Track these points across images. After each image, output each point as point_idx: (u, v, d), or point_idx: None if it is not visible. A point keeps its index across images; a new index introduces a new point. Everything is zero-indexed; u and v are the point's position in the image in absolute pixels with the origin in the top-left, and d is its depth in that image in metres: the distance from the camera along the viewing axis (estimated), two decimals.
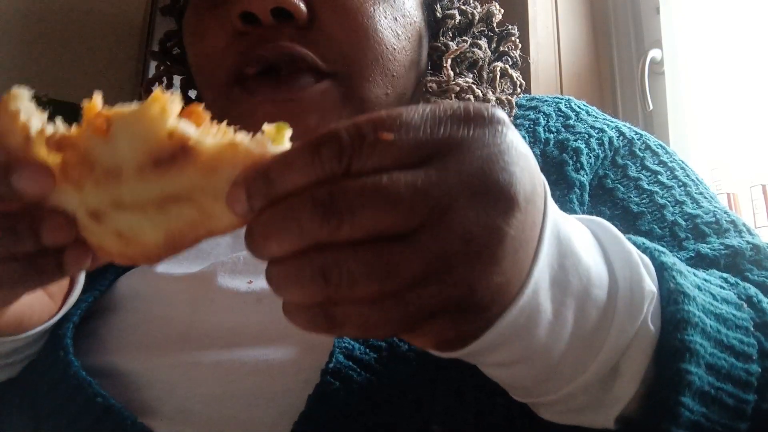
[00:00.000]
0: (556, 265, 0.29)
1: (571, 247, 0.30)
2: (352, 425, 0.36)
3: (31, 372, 0.46)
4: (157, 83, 0.62)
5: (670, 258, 0.35)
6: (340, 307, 0.25)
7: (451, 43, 0.57)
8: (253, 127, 0.49)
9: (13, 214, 0.30)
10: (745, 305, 0.36)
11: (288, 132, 0.27)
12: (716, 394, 0.32)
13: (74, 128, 0.29)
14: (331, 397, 0.37)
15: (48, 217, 0.29)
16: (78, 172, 0.28)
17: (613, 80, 1.20)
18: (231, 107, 0.50)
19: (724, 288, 0.37)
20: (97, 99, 0.29)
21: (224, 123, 0.28)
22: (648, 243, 0.37)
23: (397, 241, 0.24)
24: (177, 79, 0.63)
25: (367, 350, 0.38)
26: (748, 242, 0.45)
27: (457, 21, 0.58)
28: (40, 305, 0.42)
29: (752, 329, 0.35)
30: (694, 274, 0.36)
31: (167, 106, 0.26)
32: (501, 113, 0.26)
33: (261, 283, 0.45)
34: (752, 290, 0.37)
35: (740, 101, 1.08)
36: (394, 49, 0.51)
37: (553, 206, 0.29)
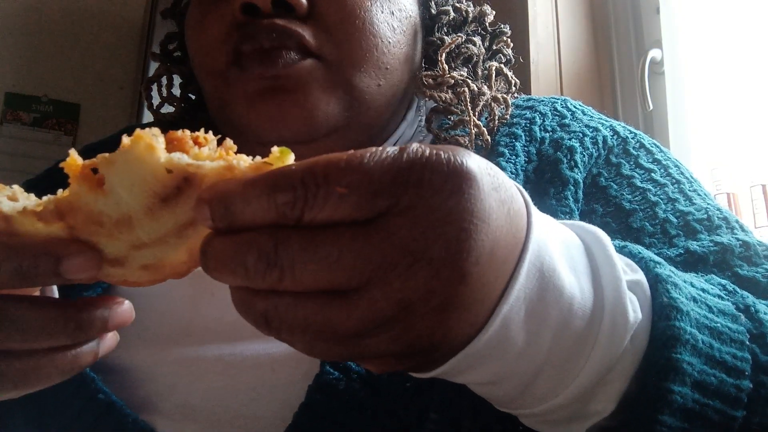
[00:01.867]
0: (536, 299, 0.29)
1: (554, 281, 0.29)
2: (352, 414, 0.37)
3: None
4: (156, 83, 0.62)
5: (665, 270, 0.35)
6: (291, 335, 0.26)
7: (446, 37, 0.58)
8: (246, 107, 0.49)
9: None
10: (742, 316, 0.36)
11: (291, 157, 0.26)
12: (701, 410, 0.32)
13: (64, 192, 0.28)
14: (331, 387, 0.37)
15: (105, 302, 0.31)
16: (88, 232, 0.28)
17: (613, 80, 1.20)
18: (229, 91, 0.51)
19: (722, 298, 0.37)
20: (74, 155, 0.27)
21: (210, 137, 0.28)
22: (645, 253, 0.36)
23: (337, 297, 0.24)
24: (176, 80, 0.64)
25: None
26: (738, 239, 0.45)
27: (452, 17, 0.59)
28: None
29: (748, 342, 0.34)
30: (691, 284, 0.36)
31: (152, 142, 0.26)
32: (472, 167, 0.25)
33: None
34: (750, 299, 0.37)
35: (740, 101, 1.08)
36: (389, 42, 0.52)
37: (537, 232, 0.29)
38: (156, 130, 0.26)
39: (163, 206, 0.27)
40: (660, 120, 1.11)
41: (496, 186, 0.26)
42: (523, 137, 0.55)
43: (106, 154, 0.26)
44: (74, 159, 0.27)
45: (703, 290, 0.36)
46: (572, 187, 0.51)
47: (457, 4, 0.60)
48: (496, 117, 0.56)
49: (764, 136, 1.03)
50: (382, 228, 0.24)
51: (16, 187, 0.29)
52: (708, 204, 0.50)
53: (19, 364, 0.30)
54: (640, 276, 0.34)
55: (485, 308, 0.27)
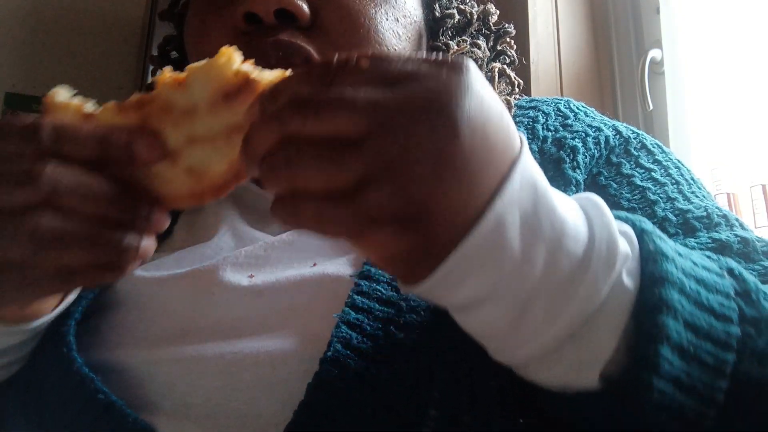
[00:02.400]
0: (529, 209, 0.31)
1: (547, 198, 0.32)
2: (351, 411, 0.37)
3: (34, 369, 0.46)
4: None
5: (650, 225, 0.36)
6: (301, 202, 0.29)
7: (451, 42, 0.58)
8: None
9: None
10: (726, 275, 0.36)
11: None
12: (695, 352, 0.32)
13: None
14: (330, 385, 0.37)
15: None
16: (158, 120, 0.35)
17: (613, 80, 1.20)
18: None
19: (705, 258, 0.38)
20: (167, 70, 0.36)
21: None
22: (630, 215, 0.38)
23: (350, 145, 0.28)
24: None
25: (365, 339, 0.39)
26: (736, 235, 0.45)
27: (456, 20, 0.59)
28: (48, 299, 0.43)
29: (733, 295, 0.35)
30: (674, 242, 0.37)
31: (232, 55, 0.34)
32: (471, 62, 0.31)
33: (262, 277, 0.45)
34: (733, 263, 0.38)
35: (740, 101, 1.08)
36: (395, 49, 0.51)
37: (531, 160, 0.32)
38: (238, 50, 0.35)
39: (223, 103, 0.34)
40: (660, 120, 1.11)
41: (489, 89, 0.31)
42: (526, 135, 0.55)
43: (196, 63, 0.35)
44: (166, 73, 0.36)
45: (686, 249, 0.37)
46: (574, 188, 0.51)
47: (462, 6, 0.60)
48: None
49: (764, 136, 1.03)
50: (398, 88, 0.29)
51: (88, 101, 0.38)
52: (707, 203, 0.50)
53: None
54: (627, 228, 0.36)
55: (478, 193, 0.30)
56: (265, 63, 0.47)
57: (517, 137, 0.32)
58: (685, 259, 0.35)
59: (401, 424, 0.36)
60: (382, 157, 0.28)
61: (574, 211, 0.33)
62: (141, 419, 0.39)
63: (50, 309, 0.44)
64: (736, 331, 0.33)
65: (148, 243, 0.36)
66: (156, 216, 0.36)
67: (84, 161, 0.34)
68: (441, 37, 0.58)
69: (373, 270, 0.42)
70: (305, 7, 0.48)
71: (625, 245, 0.34)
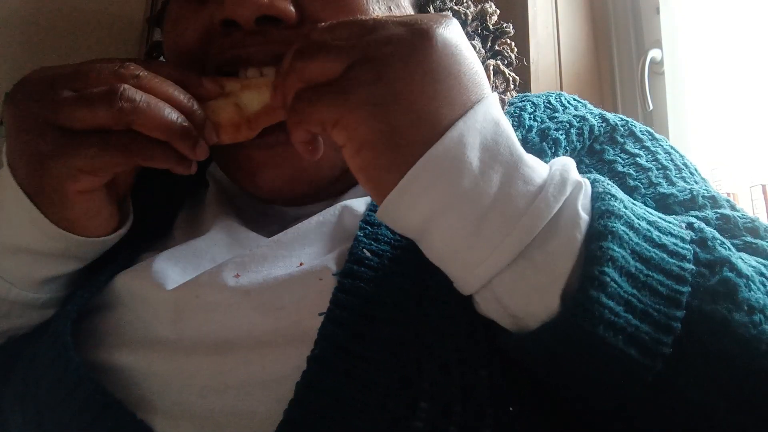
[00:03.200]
0: (489, 137, 0.35)
1: (508, 135, 0.36)
2: (342, 408, 0.37)
3: (32, 368, 0.46)
4: None
5: (606, 180, 0.39)
6: (303, 93, 0.37)
7: None
8: (243, 167, 0.52)
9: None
10: (684, 226, 0.38)
11: None
12: (646, 280, 0.33)
13: None
14: (319, 383, 0.38)
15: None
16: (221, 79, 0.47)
17: (613, 80, 1.20)
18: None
19: (665, 216, 0.39)
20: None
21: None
22: (591, 175, 0.40)
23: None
24: None
25: (350, 336, 0.39)
26: (717, 212, 0.45)
27: None
28: (101, 215, 0.46)
29: (688, 240, 0.36)
30: (632, 201, 0.39)
31: None
32: (454, 21, 0.38)
33: (249, 277, 0.45)
34: (695, 219, 0.39)
35: (740, 101, 1.08)
36: None
37: (497, 107, 0.37)
38: None
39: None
40: (660, 120, 1.11)
41: (467, 42, 0.38)
42: (511, 122, 0.54)
43: None
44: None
45: (645, 205, 0.40)
46: None
47: (456, 7, 0.59)
48: None
49: (764, 136, 1.03)
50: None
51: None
52: (693, 186, 0.50)
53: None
54: (584, 179, 0.38)
55: (444, 111, 0.35)
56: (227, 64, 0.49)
57: (487, 87, 0.37)
58: (637, 206, 0.38)
59: (393, 418, 0.36)
60: (366, 48, 0.35)
61: (537, 160, 0.37)
62: (139, 419, 0.40)
63: (103, 232, 0.47)
64: (690, 267, 0.34)
65: (202, 151, 0.43)
66: (209, 133, 0.44)
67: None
68: None
69: (356, 267, 0.42)
70: (290, 7, 0.46)
71: (579, 177, 0.37)
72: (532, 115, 0.56)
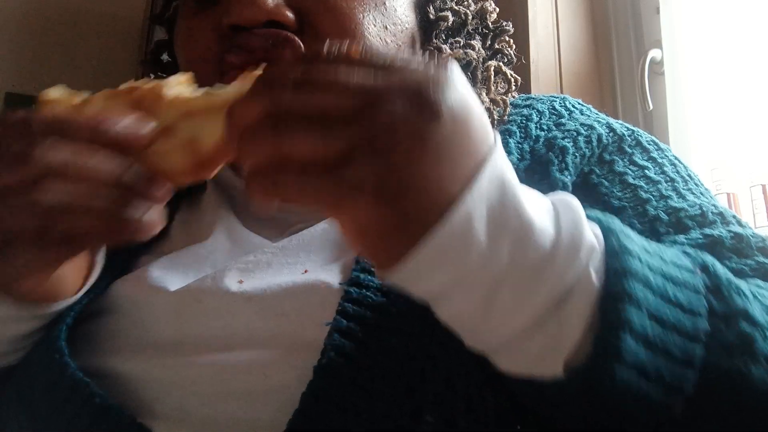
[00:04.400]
0: (496, 204, 0.32)
1: (514, 195, 0.33)
2: (346, 419, 0.37)
3: (26, 373, 0.46)
4: None
5: (617, 224, 0.37)
6: (282, 172, 0.30)
7: (444, 46, 0.57)
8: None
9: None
10: (698, 271, 0.37)
11: None
12: (661, 343, 0.33)
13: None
14: (325, 393, 0.37)
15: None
16: (151, 101, 0.36)
17: (613, 80, 1.20)
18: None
19: (679, 256, 0.38)
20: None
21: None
22: (601, 215, 0.38)
23: (340, 119, 0.30)
24: None
25: (357, 346, 0.39)
26: (730, 231, 0.45)
27: (450, 22, 0.58)
28: (67, 278, 0.44)
29: (703, 292, 0.35)
30: (646, 240, 0.38)
31: None
32: (455, 64, 0.33)
33: (252, 283, 0.45)
34: (709, 259, 0.38)
35: (740, 101, 1.08)
36: None
37: (502, 159, 0.34)
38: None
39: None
40: (660, 120, 1.11)
41: (470, 89, 0.34)
42: (518, 134, 0.55)
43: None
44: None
45: (659, 248, 0.38)
46: (561, 190, 0.50)
47: (456, 7, 0.59)
48: (495, 119, 0.56)
49: (764, 136, 1.03)
50: (386, 71, 0.31)
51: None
52: (703, 201, 0.50)
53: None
54: (595, 227, 0.36)
55: (452, 181, 0.32)
56: (253, 57, 0.47)
57: (491, 134, 0.34)
58: (652, 256, 0.36)
59: (397, 430, 0.36)
60: (368, 131, 0.30)
61: (543, 209, 0.34)
62: (138, 422, 0.39)
63: (72, 291, 0.44)
64: (704, 325, 0.34)
65: (153, 215, 0.37)
66: (157, 188, 0.36)
67: (81, 141, 0.36)
68: (434, 40, 0.57)
69: (362, 276, 0.42)
70: (291, 14, 0.48)
71: (591, 238, 0.35)
72: (538, 125, 0.56)
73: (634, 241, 0.36)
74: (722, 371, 0.33)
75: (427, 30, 0.58)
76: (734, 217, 0.48)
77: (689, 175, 0.54)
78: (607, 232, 0.36)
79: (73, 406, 0.41)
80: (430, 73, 0.31)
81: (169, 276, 0.47)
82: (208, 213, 0.55)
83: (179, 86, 0.36)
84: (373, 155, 0.30)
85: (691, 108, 1.10)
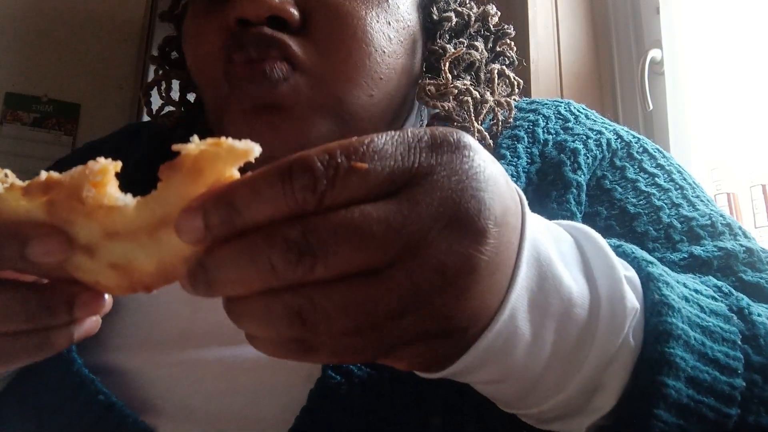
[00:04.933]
0: (536, 288, 0.29)
1: (551, 269, 0.30)
2: (353, 418, 0.37)
3: (32, 371, 0.46)
4: (155, 87, 0.62)
5: (657, 269, 0.35)
6: (313, 341, 0.25)
7: (448, 45, 0.57)
8: (241, 126, 0.50)
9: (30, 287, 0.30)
10: (735, 317, 0.36)
11: (256, 148, 0.26)
12: (696, 407, 0.32)
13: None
14: (333, 391, 0.37)
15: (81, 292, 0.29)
16: (69, 208, 0.28)
17: (613, 80, 1.20)
18: (224, 105, 0.51)
19: (715, 299, 0.37)
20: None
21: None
22: (638, 252, 0.37)
23: (372, 276, 0.24)
24: (174, 85, 0.64)
25: None
26: (741, 245, 0.46)
27: (454, 23, 0.59)
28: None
29: (740, 342, 0.35)
30: (684, 284, 0.36)
31: None
32: (468, 138, 0.27)
33: None
34: (744, 302, 0.37)
35: (740, 101, 1.08)
36: (384, 52, 0.51)
37: (531, 225, 0.30)
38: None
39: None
40: (660, 120, 1.11)
41: (493, 159, 0.28)
42: (526, 139, 0.55)
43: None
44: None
45: (696, 291, 0.37)
46: (575, 190, 0.51)
47: (459, 9, 0.60)
48: (500, 121, 0.56)
49: (764, 136, 1.03)
50: (406, 198, 0.24)
51: (8, 170, 0.29)
52: (711, 210, 0.50)
53: None
54: (632, 273, 0.35)
55: (500, 288, 0.28)
56: (244, 56, 0.48)
57: (518, 199, 0.30)
58: (691, 305, 0.35)
59: (405, 431, 0.36)
60: (415, 285, 0.24)
61: (572, 261, 0.32)
62: (141, 420, 0.39)
63: None
64: (740, 383, 0.33)
65: (86, 326, 0.32)
66: (83, 303, 0.30)
67: None
68: (438, 41, 0.57)
69: None
70: (295, 11, 0.48)
71: (633, 300, 0.32)
72: (545, 129, 0.57)
73: (673, 288, 0.35)
74: (759, 428, 0.33)
75: (430, 31, 0.58)
76: (740, 228, 0.49)
77: (695, 183, 0.55)
78: (646, 279, 0.35)
79: (78, 403, 0.41)
80: (453, 179, 0.25)
81: None
82: None
83: (102, 189, 0.27)
84: (426, 306, 0.25)
85: (691, 108, 1.10)
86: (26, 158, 1.89)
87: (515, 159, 0.53)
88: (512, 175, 0.51)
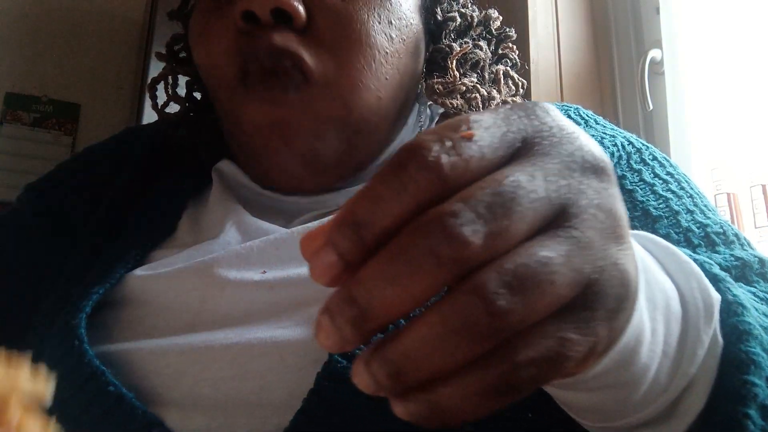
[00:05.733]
0: (643, 281, 0.28)
1: (645, 263, 0.29)
2: (360, 400, 0.37)
3: (40, 362, 0.46)
4: (162, 82, 0.63)
5: (719, 270, 0.35)
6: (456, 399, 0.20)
7: (454, 44, 0.58)
8: (254, 136, 0.51)
9: None
10: None
11: None
12: None
13: None
14: (339, 374, 0.38)
15: None
16: None
17: (613, 80, 1.20)
18: (238, 108, 0.52)
19: (757, 301, 0.37)
20: None
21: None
22: (695, 255, 0.36)
23: (569, 310, 0.21)
24: (180, 82, 0.64)
25: None
26: (754, 255, 0.46)
27: (458, 23, 0.60)
28: None
29: None
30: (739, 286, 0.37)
31: None
32: (608, 161, 0.25)
33: (275, 273, 0.46)
34: None
35: (740, 102, 1.08)
36: (387, 53, 0.52)
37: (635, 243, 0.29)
38: None
39: None
40: (660, 120, 1.11)
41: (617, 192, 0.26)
42: None
43: None
44: None
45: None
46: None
47: (463, 10, 0.61)
48: None
49: (764, 136, 1.03)
50: (573, 234, 0.22)
51: None
52: (720, 219, 0.51)
53: None
54: (700, 271, 0.34)
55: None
56: (257, 65, 0.49)
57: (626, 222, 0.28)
58: (755, 303, 0.35)
59: None
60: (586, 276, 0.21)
61: (653, 261, 0.32)
62: (149, 412, 0.40)
63: None
64: None
65: None
66: None
67: None
68: (443, 40, 0.58)
69: None
70: (301, 8, 0.49)
71: (715, 292, 0.32)
72: None
73: (738, 290, 0.34)
74: None
75: (436, 32, 0.59)
76: (746, 239, 0.50)
77: (701, 193, 0.56)
78: (714, 279, 0.34)
79: (88, 394, 0.41)
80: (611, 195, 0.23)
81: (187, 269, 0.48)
82: (215, 209, 0.56)
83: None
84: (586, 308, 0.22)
85: (691, 108, 1.10)
86: (26, 158, 1.89)
87: None
88: None
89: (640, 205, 0.52)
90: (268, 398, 0.40)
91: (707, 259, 0.36)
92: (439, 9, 0.59)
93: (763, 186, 1.01)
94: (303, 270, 0.45)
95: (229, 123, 0.54)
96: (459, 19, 0.59)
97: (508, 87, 0.61)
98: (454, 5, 0.60)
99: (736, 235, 0.49)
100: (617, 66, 1.20)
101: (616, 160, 0.55)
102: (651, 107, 1.11)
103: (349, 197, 0.44)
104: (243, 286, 0.45)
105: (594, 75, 1.22)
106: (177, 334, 0.44)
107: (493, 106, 0.55)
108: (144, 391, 0.42)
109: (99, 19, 2.11)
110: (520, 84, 0.61)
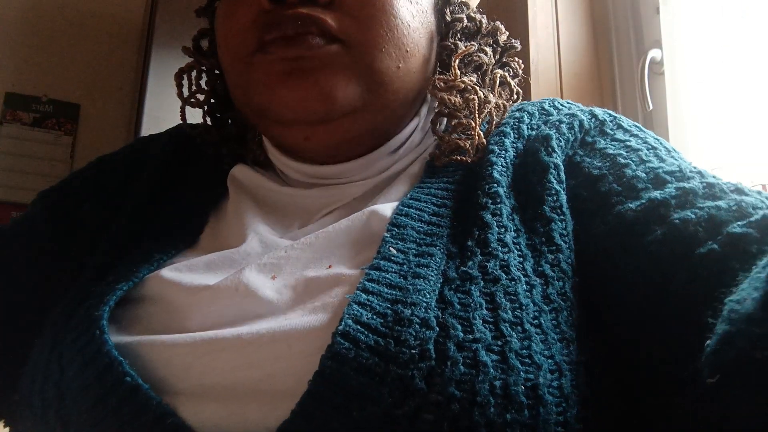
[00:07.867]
0: None
1: None
2: (363, 379, 0.38)
3: (56, 353, 0.47)
4: (185, 75, 0.65)
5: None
6: None
7: (459, 43, 0.60)
8: (267, 89, 0.52)
9: None
10: None
11: None
12: None
13: None
14: (342, 355, 0.39)
15: None
16: None
17: (613, 80, 1.20)
18: (252, 75, 0.53)
19: None
20: None
21: None
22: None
23: None
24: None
25: (374, 316, 0.41)
26: (703, 182, 0.45)
27: (465, 25, 0.61)
28: None
29: None
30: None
31: None
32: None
33: (283, 277, 0.47)
34: None
35: (740, 102, 1.08)
36: (409, 25, 0.54)
37: None
38: None
39: None
40: (660, 120, 1.11)
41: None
42: (512, 134, 0.57)
43: None
44: None
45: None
46: (554, 170, 0.52)
47: (471, 14, 0.63)
48: (494, 122, 0.59)
49: (764, 137, 1.03)
50: None
51: None
52: (683, 162, 0.50)
53: None
54: None
55: None
56: (281, 33, 0.50)
57: None
58: None
59: (410, 388, 0.38)
60: None
61: None
62: (164, 403, 0.41)
63: None
64: None
65: None
66: None
67: None
68: (450, 39, 0.60)
69: (383, 263, 0.45)
70: None
71: None
72: (529, 125, 0.59)
73: None
74: None
75: (444, 31, 0.61)
76: (714, 176, 0.47)
77: (672, 148, 0.54)
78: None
79: (105, 385, 0.42)
80: None
81: (203, 274, 0.50)
82: (236, 220, 0.57)
83: None
84: None
85: (691, 108, 1.10)
86: (26, 158, 1.89)
87: (503, 152, 0.55)
88: (501, 167, 0.53)
89: (583, 171, 0.52)
90: (277, 385, 0.41)
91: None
92: (448, 10, 0.61)
93: (764, 186, 1.01)
94: (308, 274, 0.47)
95: (244, 94, 0.56)
96: (466, 21, 0.61)
97: (505, 92, 0.62)
98: (464, 9, 0.62)
99: (699, 172, 0.47)
100: (617, 66, 1.20)
101: (570, 143, 0.55)
102: (651, 107, 1.11)
103: (365, 189, 0.46)
104: (254, 291, 0.47)
105: (594, 75, 1.22)
106: (188, 329, 0.45)
107: (486, 110, 0.57)
108: (155, 382, 0.43)
109: (99, 19, 2.11)
110: (515, 91, 0.63)
